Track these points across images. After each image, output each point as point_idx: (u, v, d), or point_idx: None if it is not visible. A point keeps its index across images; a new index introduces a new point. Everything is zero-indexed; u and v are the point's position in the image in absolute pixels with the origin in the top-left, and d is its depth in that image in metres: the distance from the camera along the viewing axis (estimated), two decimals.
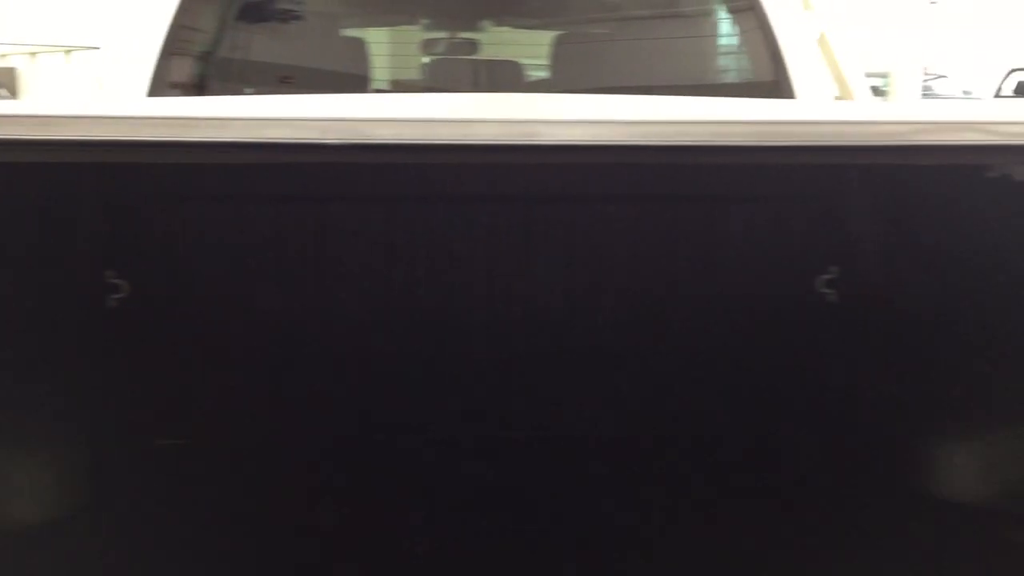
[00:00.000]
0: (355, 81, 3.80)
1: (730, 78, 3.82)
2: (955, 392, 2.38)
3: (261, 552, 2.42)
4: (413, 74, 4.56)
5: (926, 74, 20.37)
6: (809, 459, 2.70)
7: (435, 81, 4.36)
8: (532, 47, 4.59)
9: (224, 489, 2.65)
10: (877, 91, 19.61)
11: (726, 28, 3.89)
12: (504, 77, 4.25)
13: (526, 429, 2.91)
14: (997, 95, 19.85)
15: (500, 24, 4.56)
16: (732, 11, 3.77)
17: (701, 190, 2.77)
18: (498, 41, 4.63)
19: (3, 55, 18.15)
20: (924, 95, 18.73)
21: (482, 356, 2.91)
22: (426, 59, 4.61)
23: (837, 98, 4.88)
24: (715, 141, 1.66)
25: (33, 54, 18.44)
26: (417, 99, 3.33)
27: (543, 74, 4.33)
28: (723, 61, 3.92)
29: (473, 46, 4.63)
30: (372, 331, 2.96)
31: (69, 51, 17.42)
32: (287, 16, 3.83)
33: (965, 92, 22.85)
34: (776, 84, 3.43)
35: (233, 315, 2.88)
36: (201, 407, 2.89)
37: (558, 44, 4.25)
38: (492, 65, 4.45)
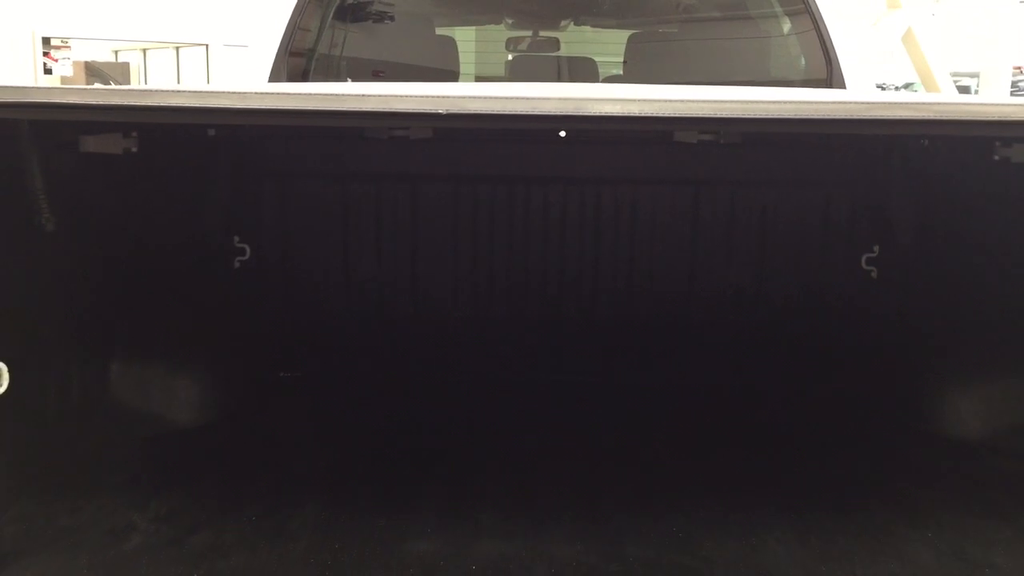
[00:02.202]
0: (446, 75, 4.22)
1: (787, 75, 4.12)
2: None
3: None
4: (498, 69, 4.94)
5: (1018, 72, 19.99)
6: None
7: (518, 75, 4.73)
8: (608, 45, 4.93)
9: (327, 410, 3.15)
10: (966, 90, 19.38)
11: (783, 28, 4.19)
12: (581, 72, 4.60)
13: None
14: None
15: (579, 24, 4.91)
16: (788, 13, 4.08)
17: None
18: (577, 40, 4.97)
19: (117, 51, 19.22)
20: (1013, 92, 18.44)
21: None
22: (510, 56, 4.99)
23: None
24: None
25: (144, 50, 19.49)
26: (502, 86, 3.77)
27: (617, 70, 4.68)
28: (780, 59, 4.22)
29: (554, 44, 4.98)
30: (450, 296, 3.39)
31: (178, 47, 18.38)
32: (383, 16, 4.26)
33: None
34: (828, 80, 3.75)
35: None
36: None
37: (632, 43, 4.58)
38: (571, 61, 4.79)
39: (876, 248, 3.24)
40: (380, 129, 3.06)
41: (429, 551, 2.17)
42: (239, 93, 1.92)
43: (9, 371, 2.07)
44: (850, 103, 2.08)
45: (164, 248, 2.84)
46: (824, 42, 3.74)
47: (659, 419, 3.07)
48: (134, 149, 2.51)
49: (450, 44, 4.43)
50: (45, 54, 15.59)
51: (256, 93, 1.92)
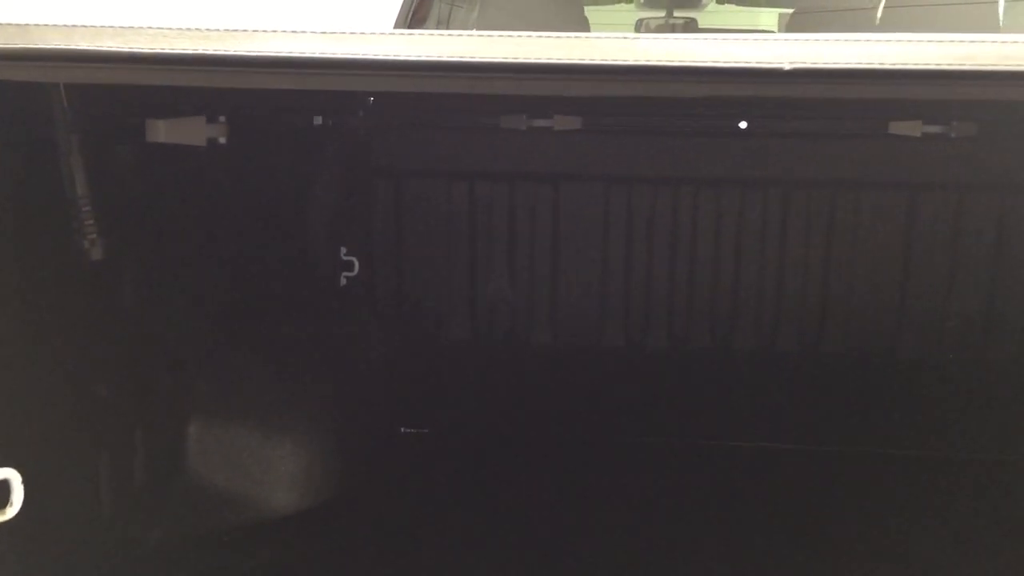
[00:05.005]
0: None
1: None
2: None
3: None
4: None
5: None
6: None
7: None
8: (754, 28, 4.32)
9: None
10: None
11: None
12: None
13: None
14: None
15: (722, 1, 4.30)
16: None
17: None
18: (719, 23, 4.36)
19: None
20: None
21: None
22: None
23: None
24: None
25: None
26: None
27: None
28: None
29: (691, 26, 4.38)
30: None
31: None
32: None
33: None
34: None
35: None
36: None
37: (790, 26, 3.96)
38: None
39: None
40: (519, 118, 2.57)
41: None
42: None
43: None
44: None
45: (255, 270, 2.25)
46: None
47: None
48: (222, 139, 1.94)
49: (582, 23, 3.84)
50: None
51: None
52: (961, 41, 1.26)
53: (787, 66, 1.42)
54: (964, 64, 1.21)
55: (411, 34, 1.49)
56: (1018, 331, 2.60)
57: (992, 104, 2.15)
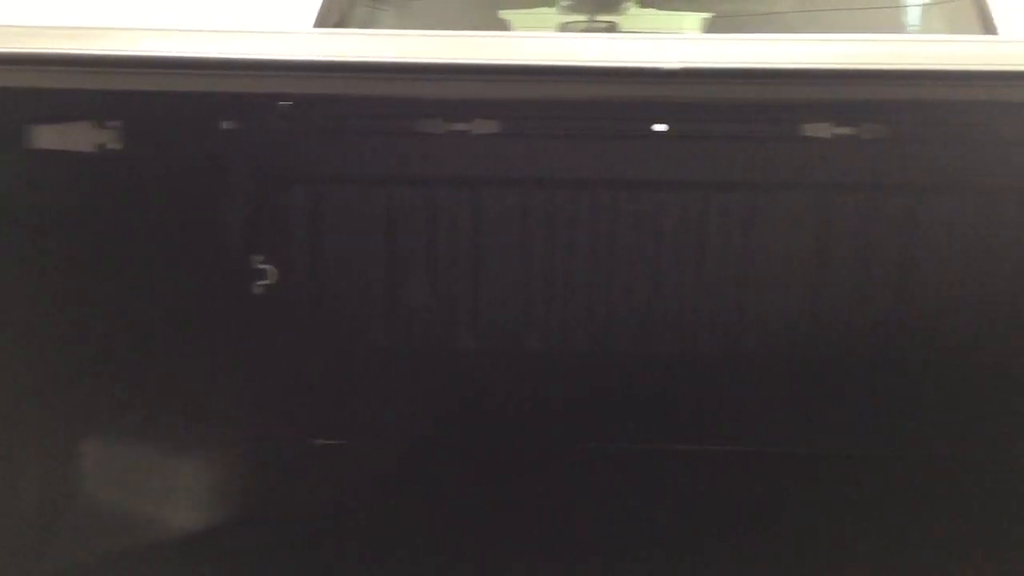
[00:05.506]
0: None
1: None
2: None
3: None
4: None
5: None
6: None
7: None
8: (676, 32, 4.31)
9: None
10: None
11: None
12: None
13: None
14: None
15: (645, 5, 4.28)
16: None
17: None
18: (641, 26, 4.34)
19: None
20: None
21: None
22: None
23: None
24: None
25: None
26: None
27: None
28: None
29: (612, 29, 4.37)
30: None
31: None
32: None
33: None
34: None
35: None
36: None
37: (708, 29, 3.97)
38: None
39: None
40: (436, 122, 2.54)
41: None
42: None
43: None
44: None
45: (156, 279, 2.15)
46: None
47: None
48: (115, 145, 1.83)
49: (503, 28, 3.81)
50: None
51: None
52: (851, 40, 1.26)
53: (674, 66, 1.41)
54: (848, 64, 1.21)
55: (326, 33, 1.43)
56: (930, 330, 2.63)
57: (901, 105, 2.18)
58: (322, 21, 3.39)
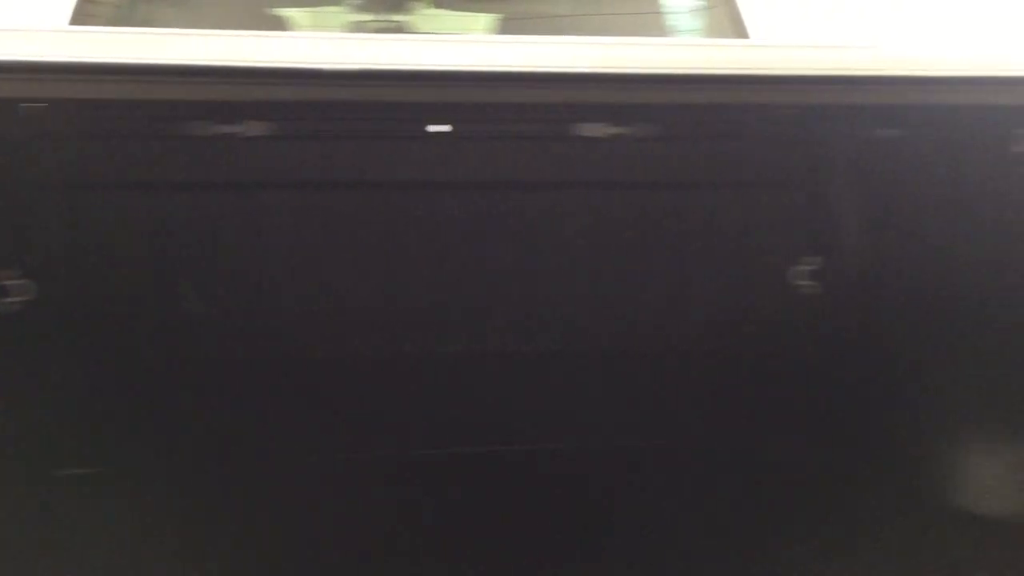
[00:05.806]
0: None
1: None
2: None
3: None
4: None
5: None
6: None
7: None
8: (469, 32, 4.27)
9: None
10: None
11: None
12: None
13: None
14: None
15: (437, 5, 4.22)
16: None
17: None
18: (433, 27, 4.28)
19: None
20: None
21: None
22: None
23: None
24: None
25: None
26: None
27: None
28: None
29: (401, 30, 4.29)
30: None
31: None
32: None
33: None
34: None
35: None
36: None
37: (504, 30, 3.96)
38: None
39: None
40: (204, 124, 2.36)
41: None
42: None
43: None
44: None
45: None
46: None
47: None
48: None
49: (281, 26, 3.66)
50: None
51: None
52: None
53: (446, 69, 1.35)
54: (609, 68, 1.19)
55: (77, 31, 1.30)
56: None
57: (674, 107, 2.20)
58: (79, 16, 3.14)
